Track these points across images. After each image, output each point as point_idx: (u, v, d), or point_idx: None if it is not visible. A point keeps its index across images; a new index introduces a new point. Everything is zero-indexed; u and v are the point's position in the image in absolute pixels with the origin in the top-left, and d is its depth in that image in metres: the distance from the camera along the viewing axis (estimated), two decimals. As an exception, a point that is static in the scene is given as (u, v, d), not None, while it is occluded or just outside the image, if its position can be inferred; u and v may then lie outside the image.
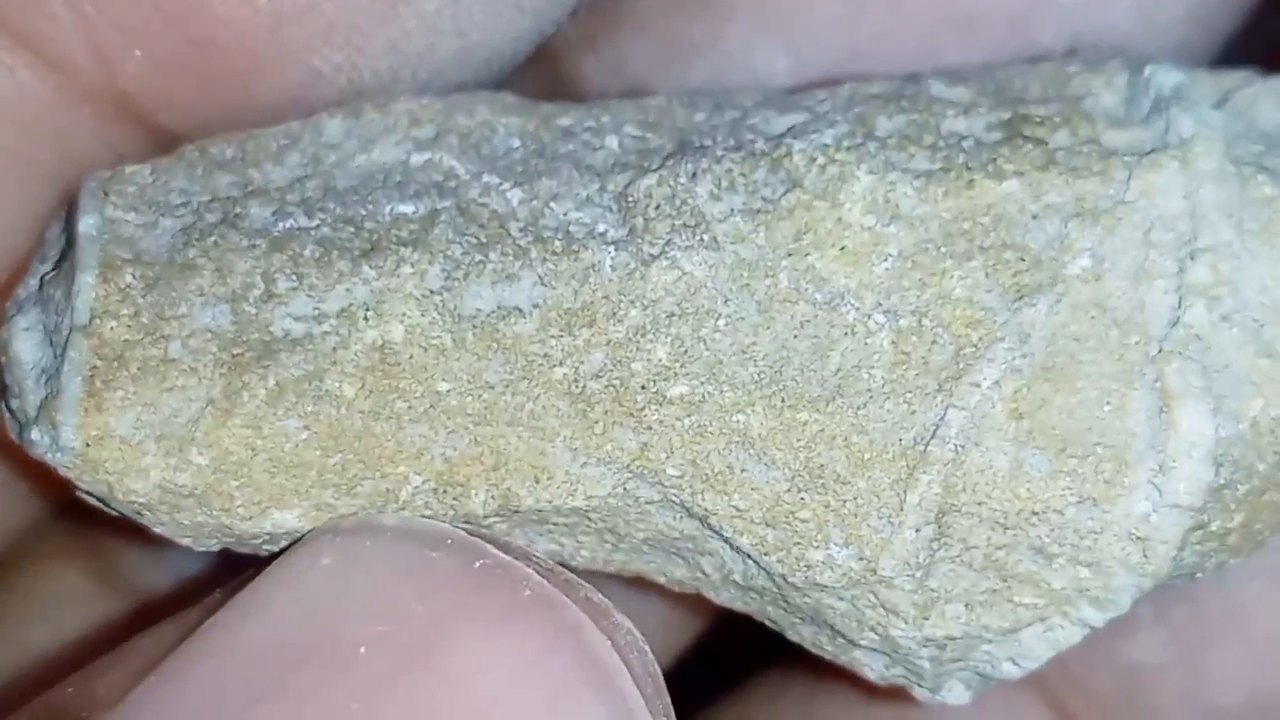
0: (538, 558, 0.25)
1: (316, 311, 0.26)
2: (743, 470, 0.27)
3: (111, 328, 0.26)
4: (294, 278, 0.26)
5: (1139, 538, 0.26)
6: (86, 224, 0.26)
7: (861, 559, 0.27)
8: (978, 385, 0.26)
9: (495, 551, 0.25)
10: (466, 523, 0.26)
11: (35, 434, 0.26)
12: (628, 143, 0.28)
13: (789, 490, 0.27)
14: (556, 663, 0.24)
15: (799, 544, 0.27)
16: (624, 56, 0.33)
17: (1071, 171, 0.27)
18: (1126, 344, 0.26)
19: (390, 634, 0.24)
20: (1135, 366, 0.26)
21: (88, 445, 0.26)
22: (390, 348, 0.26)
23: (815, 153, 0.27)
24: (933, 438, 0.26)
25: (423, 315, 0.26)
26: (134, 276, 0.26)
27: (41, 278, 0.27)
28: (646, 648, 0.25)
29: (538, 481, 0.27)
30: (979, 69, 0.29)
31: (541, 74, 0.33)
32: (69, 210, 0.27)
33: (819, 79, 0.30)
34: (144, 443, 0.26)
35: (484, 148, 0.27)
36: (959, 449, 0.26)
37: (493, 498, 0.26)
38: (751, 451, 0.27)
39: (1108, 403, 0.26)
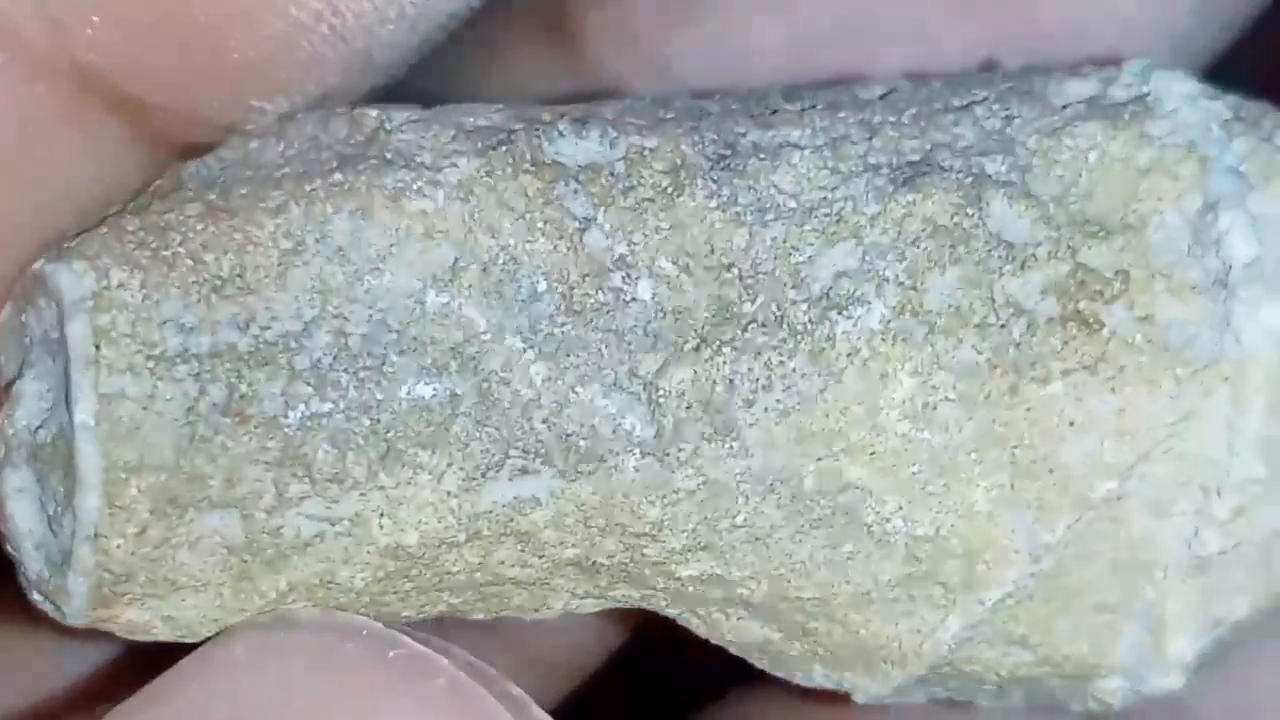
0: (456, 650, 0.25)
1: (329, 513, 0.25)
2: (739, 619, 0.27)
3: (118, 545, 0.25)
4: (306, 482, 0.25)
5: None
6: (83, 411, 0.24)
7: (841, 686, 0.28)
8: (983, 603, 0.26)
9: (411, 643, 0.25)
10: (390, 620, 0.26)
11: (37, 596, 0.26)
12: (661, 292, 0.25)
13: (781, 638, 0.27)
14: None
15: (783, 667, 0.28)
16: (626, 16, 0.32)
17: (1119, 375, 0.26)
18: (1132, 571, 0.26)
19: None
20: (1135, 593, 0.26)
21: (95, 622, 0.26)
22: (405, 549, 0.25)
23: (859, 341, 0.25)
24: (928, 638, 0.27)
25: (439, 521, 0.25)
26: (139, 490, 0.24)
27: (27, 423, 0.25)
28: None
29: (536, 611, 0.27)
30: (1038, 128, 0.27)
31: (541, 21, 0.33)
32: (29, 297, 0.25)
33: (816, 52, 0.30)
34: (153, 622, 0.26)
35: (507, 287, 0.25)
36: (951, 649, 0.27)
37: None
38: (749, 609, 0.27)
39: (1101, 628, 0.27)
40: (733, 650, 0.28)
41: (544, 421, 0.25)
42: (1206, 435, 0.26)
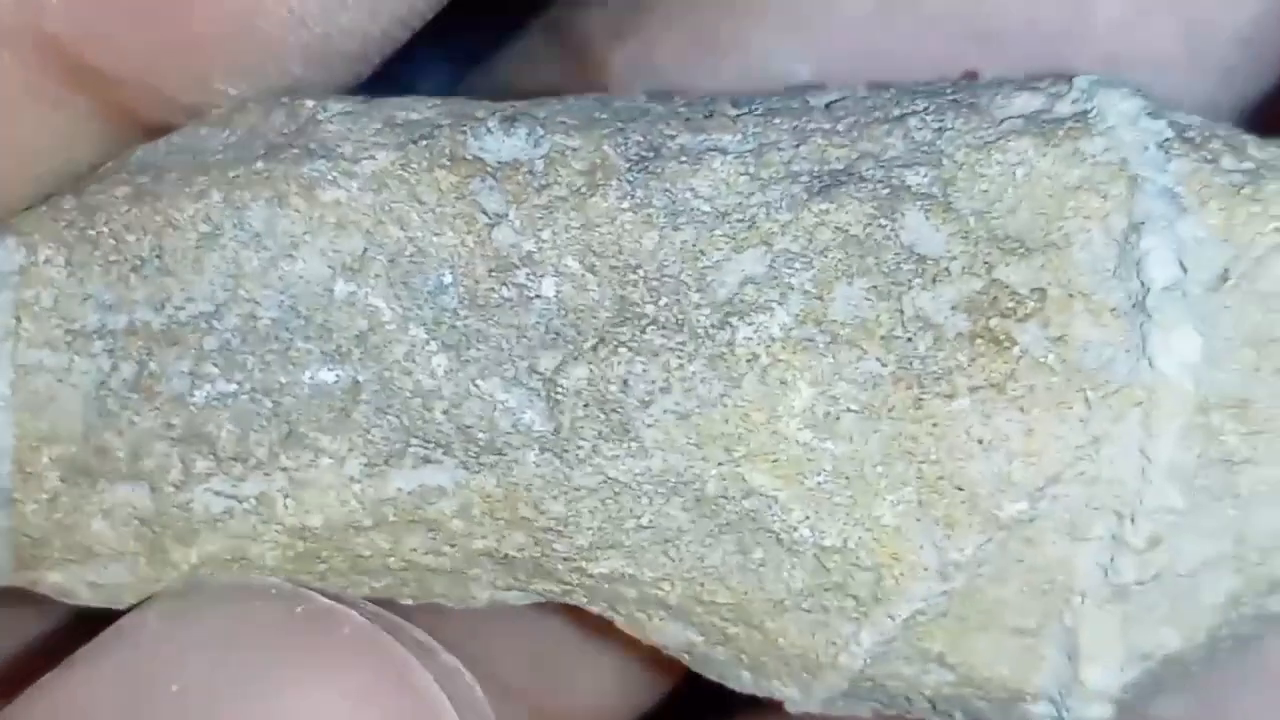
0: (367, 605, 0.26)
1: (235, 490, 0.26)
2: (660, 619, 0.27)
3: (32, 510, 0.26)
4: (211, 460, 0.25)
5: None
6: (0, 382, 0.25)
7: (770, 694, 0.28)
8: (892, 618, 0.26)
9: (319, 598, 0.25)
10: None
11: None
12: (565, 291, 0.26)
13: (703, 642, 0.27)
14: (380, 700, 0.24)
15: (713, 670, 0.28)
16: (650, 50, 0.33)
17: (1028, 395, 0.25)
18: (1049, 594, 0.26)
19: (210, 683, 0.24)
20: (1053, 618, 0.26)
21: (24, 584, 0.27)
22: (310, 530, 0.26)
23: (759, 348, 0.25)
24: (843, 650, 0.26)
25: (342, 504, 0.26)
26: (50, 459, 0.26)
27: None
28: (476, 687, 0.26)
29: (462, 601, 0.27)
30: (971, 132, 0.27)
31: (569, 58, 0.33)
32: None
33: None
34: (78, 588, 0.26)
35: (413, 278, 0.26)
36: (866, 664, 0.26)
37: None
38: (668, 611, 0.27)
39: (1020, 651, 0.26)
40: (664, 651, 0.28)
41: (444, 412, 0.25)
42: (1118, 460, 0.25)
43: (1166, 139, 0.26)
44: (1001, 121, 0.26)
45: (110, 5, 0.26)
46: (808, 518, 0.26)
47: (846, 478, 0.25)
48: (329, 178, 0.26)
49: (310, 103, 0.27)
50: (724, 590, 0.26)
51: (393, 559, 0.26)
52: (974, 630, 0.26)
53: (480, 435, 0.25)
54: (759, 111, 0.27)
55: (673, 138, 0.26)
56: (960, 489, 0.25)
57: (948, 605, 0.26)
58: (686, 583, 0.26)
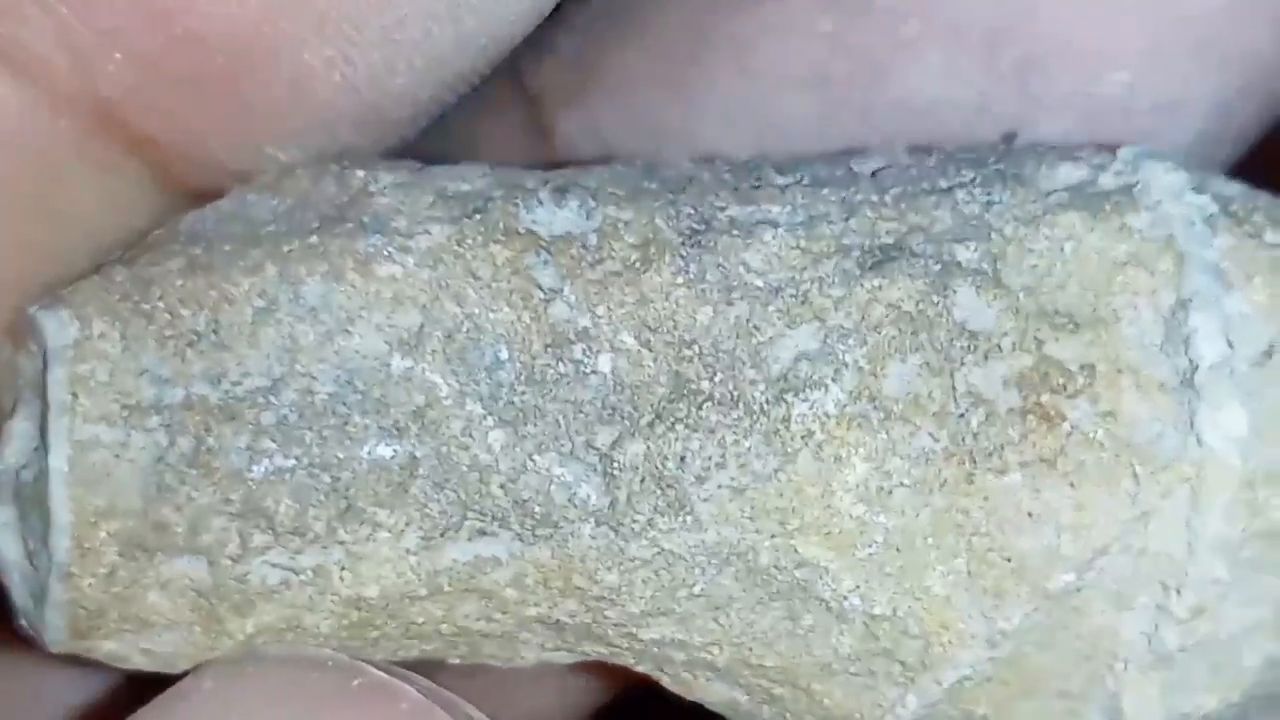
0: (418, 679, 0.26)
1: (292, 563, 0.26)
2: (706, 679, 0.27)
3: (89, 584, 0.26)
4: (269, 534, 0.26)
5: None
6: (56, 456, 0.25)
7: None
8: (939, 684, 0.26)
9: (374, 671, 0.26)
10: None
11: (23, 624, 0.27)
12: (621, 366, 0.26)
13: (749, 700, 0.27)
14: None
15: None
16: (597, 119, 0.33)
17: (1078, 470, 0.25)
18: (1093, 660, 0.26)
19: None
20: (1096, 683, 0.26)
21: (77, 651, 0.27)
22: (366, 601, 0.26)
23: (814, 424, 0.26)
24: (889, 712, 0.27)
25: (398, 576, 0.26)
26: (108, 534, 0.26)
27: (14, 461, 0.26)
28: None
29: (510, 660, 0.28)
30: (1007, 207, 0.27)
31: (519, 112, 0.33)
32: (27, 338, 0.26)
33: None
34: (131, 654, 0.27)
35: (470, 354, 0.26)
36: None
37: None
38: (715, 672, 0.27)
39: (1063, 714, 0.27)
40: (709, 707, 0.28)
41: (501, 486, 0.26)
42: (1166, 533, 0.26)
43: (1212, 214, 0.26)
44: (1048, 194, 0.27)
45: (165, 73, 0.26)
46: (858, 587, 0.26)
47: (897, 549, 0.26)
48: (384, 253, 0.26)
49: (361, 173, 0.27)
50: (772, 654, 0.27)
51: (445, 625, 0.27)
52: (1018, 695, 0.27)
53: (536, 509, 0.26)
54: (805, 181, 0.27)
55: (723, 209, 0.27)
56: (1009, 560, 0.26)
57: (993, 671, 0.26)
58: (735, 647, 0.27)
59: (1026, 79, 0.30)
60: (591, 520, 0.26)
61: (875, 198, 0.27)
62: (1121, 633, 0.26)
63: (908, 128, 0.30)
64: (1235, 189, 0.27)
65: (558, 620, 0.27)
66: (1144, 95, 0.29)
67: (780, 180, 0.27)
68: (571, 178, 0.27)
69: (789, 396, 0.26)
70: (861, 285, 0.26)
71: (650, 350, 0.26)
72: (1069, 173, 0.27)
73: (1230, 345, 0.26)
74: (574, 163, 0.29)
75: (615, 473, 0.26)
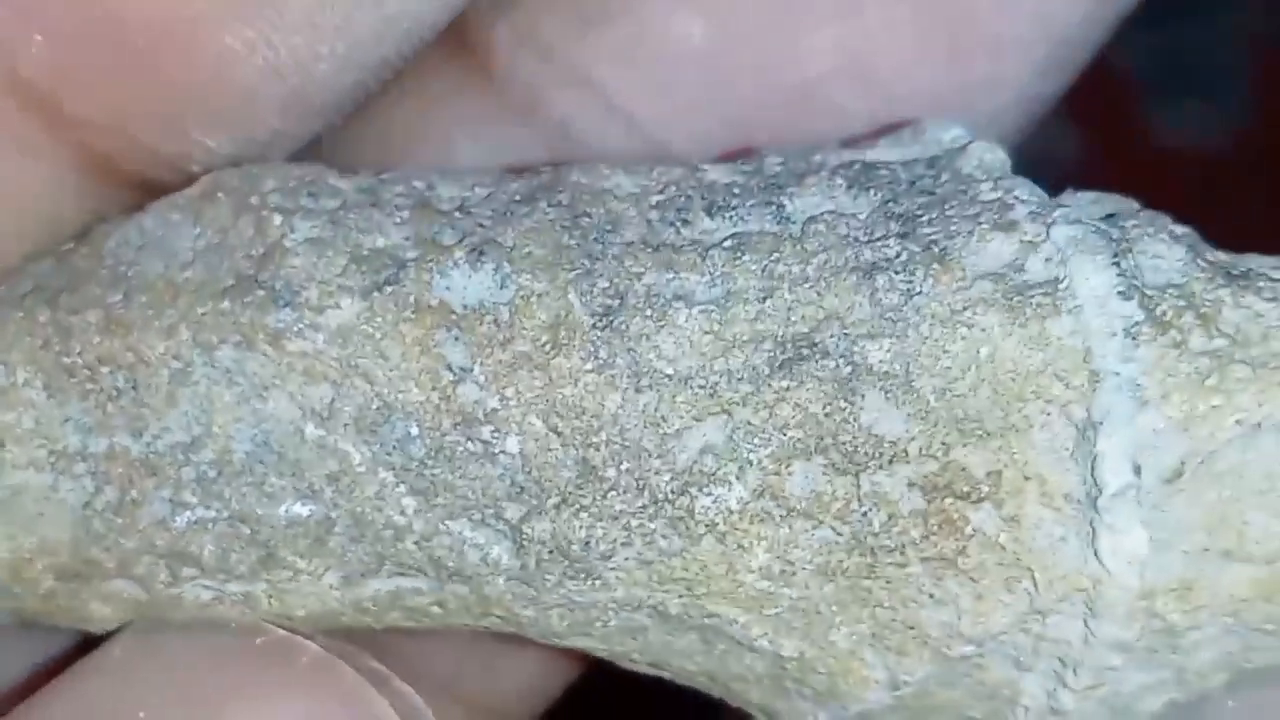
0: (321, 638, 0.27)
1: (221, 589, 0.27)
2: (633, 664, 0.29)
3: (30, 601, 0.27)
4: (195, 569, 0.27)
5: None
6: None
7: None
8: (846, 709, 0.27)
9: (278, 630, 0.27)
10: None
11: None
12: (529, 449, 0.26)
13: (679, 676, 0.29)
14: None
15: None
16: (535, 23, 0.31)
17: (979, 568, 0.26)
18: (995, 700, 0.27)
19: (172, 711, 0.26)
20: (1000, 715, 0.27)
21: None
22: (294, 618, 0.27)
23: (718, 517, 0.26)
24: (803, 718, 0.28)
25: (323, 604, 0.27)
26: (43, 567, 0.27)
27: None
28: (428, 712, 0.27)
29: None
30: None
31: (452, 41, 0.31)
32: None
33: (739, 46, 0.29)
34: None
35: (381, 428, 0.26)
36: None
37: None
38: (650, 666, 0.28)
39: None
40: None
41: (415, 544, 0.26)
42: (1063, 627, 0.26)
43: (1136, 323, 0.26)
44: (972, 282, 0.26)
45: (87, 51, 0.26)
46: (766, 634, 0.27)
47: (803, 612, 0.26)
48: (295, 329, 0.26)
49: (278, 219, 0.26)
50: (691, 663, 0.28)
51: (376, 625, 0.28)
52: (925, 717, 0.28)
53: (450, 563, 0.26)
54: (729, 238, 0.26)
55: (639, 276, 0.26)
56: (912, 628, 0.26)
57: (899, 703, 0.27)
58: (657, 657, 0.28)
59: None
60: (504, 576, 0.26)
61: (797, 268, 0.26)
62: (1022, 686, 0.27)
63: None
64: (1173, 270, 0.26)
65: (486, 627, 0.28)
66: None
67: (707, 226, 0.26)
68: (489, 233, 0.26)
69: (693, 490, 0.26)
70: (770, 385, 0.26)
71: (558, 434, 0.26)
72: (999, 250, 0.26)
73: (1137, 471, 0.25)
74: (517, 81, 0.30)
75: (525, 543, 0.26)
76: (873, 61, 0.30)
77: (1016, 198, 0.26)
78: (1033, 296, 0.26)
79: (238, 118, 0.27)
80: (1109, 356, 0.25)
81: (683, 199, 0.27)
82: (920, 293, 0.26)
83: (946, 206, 0.26)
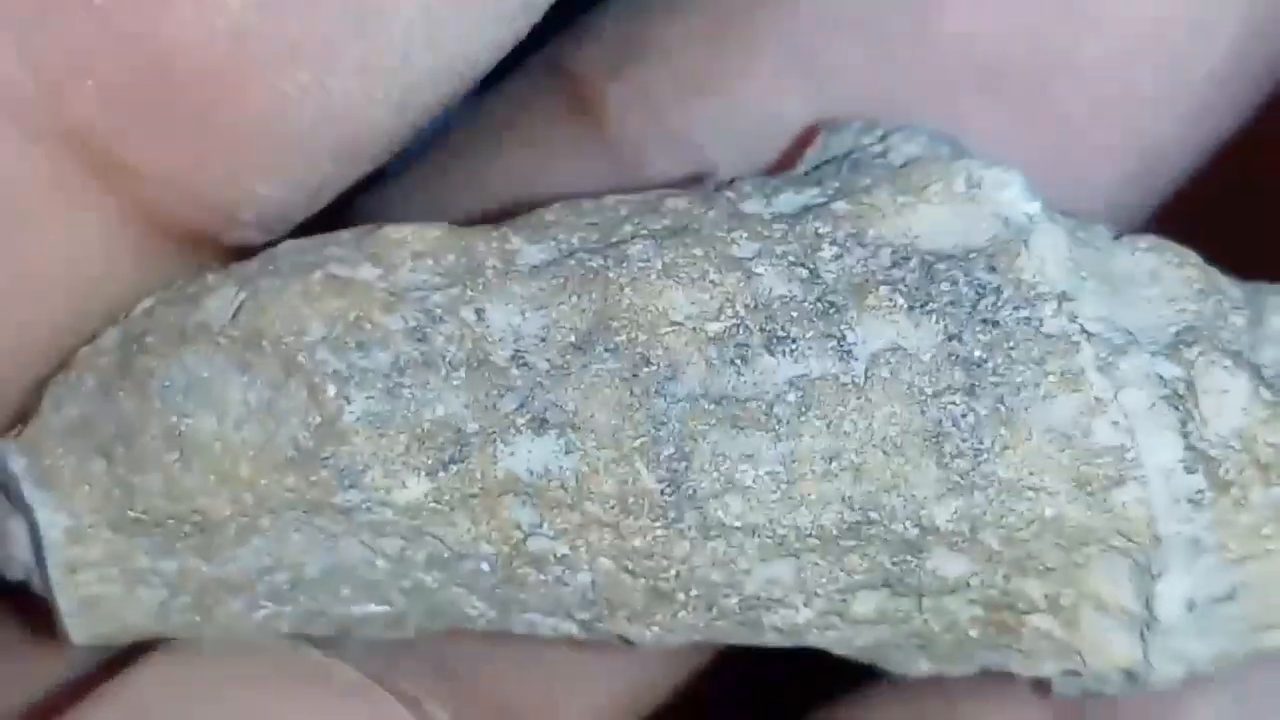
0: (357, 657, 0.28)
1: None
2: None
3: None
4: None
5: None
6: (65, 611, 0.27)
7: None
8: None
9: (313, 651, 0.27)
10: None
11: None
12: (600, 580, 0.26)
13: None
14: None
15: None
16: (647, 86, 0.32)
17: (1032, 649, 0.27)
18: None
19: None
20: None
21: None
22: None
23: (784, 626, 0.27)
24: None
25: None
26: (122, 639, 0.28)
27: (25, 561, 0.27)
28: None
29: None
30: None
31: (565, 96, 0.33)
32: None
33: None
34: None
35: (452, 565, 0.26)
36: None
37: None
38: None
39: None
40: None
41: (487, 623, 0.28)
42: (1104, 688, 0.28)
43: (1199, 490, 0.26)
44: (1039, 444, 0.26)
45: (136, 100, 0.25)
46: None
47: None
48: (363, 507, 0.26)
49: (332, 390, 0.26)
50: None
51: None
52: None
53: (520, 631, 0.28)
54: (791, 400, 0.26)
55: (704, 435, 0.26)
56: None
57: None
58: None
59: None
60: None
61: (864, 423, 0.26)
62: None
63: (959, 70, 0.30)
64: (1235, 405, 0.26)
65: None
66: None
67: (767, 365, 0.26)
68: (549, 397, 0.26)
69: (761, 609, 0.27)
70: (838, 543, 0.26)
71: (629, 574, 0.26)
72: (1065, 408, 0.26)
73: (1191, 607, 0.26)
74: (626, 141, 0.31)
75: (595, 628, 0.27)
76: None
77: (1082, 329, 0.26)
78: (1099, 464, 0.26)
79: (290, 163, 0.26)
80: (1171, 521, 0.26)
81: (741, 330, 0.26)
82: (987, 458, 0.26)
83: (1010, 346, 0.26)
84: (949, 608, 0.27)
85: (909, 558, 0.26)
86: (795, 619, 0.27)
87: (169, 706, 0.26)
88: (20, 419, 0.27)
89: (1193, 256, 0.27)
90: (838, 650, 0.28)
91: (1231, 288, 0.27)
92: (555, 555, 0.26)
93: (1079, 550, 0.26)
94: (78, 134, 0.25)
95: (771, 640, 0.27)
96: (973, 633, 0.27)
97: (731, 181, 0.28)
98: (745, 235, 0.26)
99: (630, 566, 0.26)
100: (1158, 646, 0.27)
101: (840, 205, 0.27)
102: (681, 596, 0.27)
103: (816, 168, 0.28)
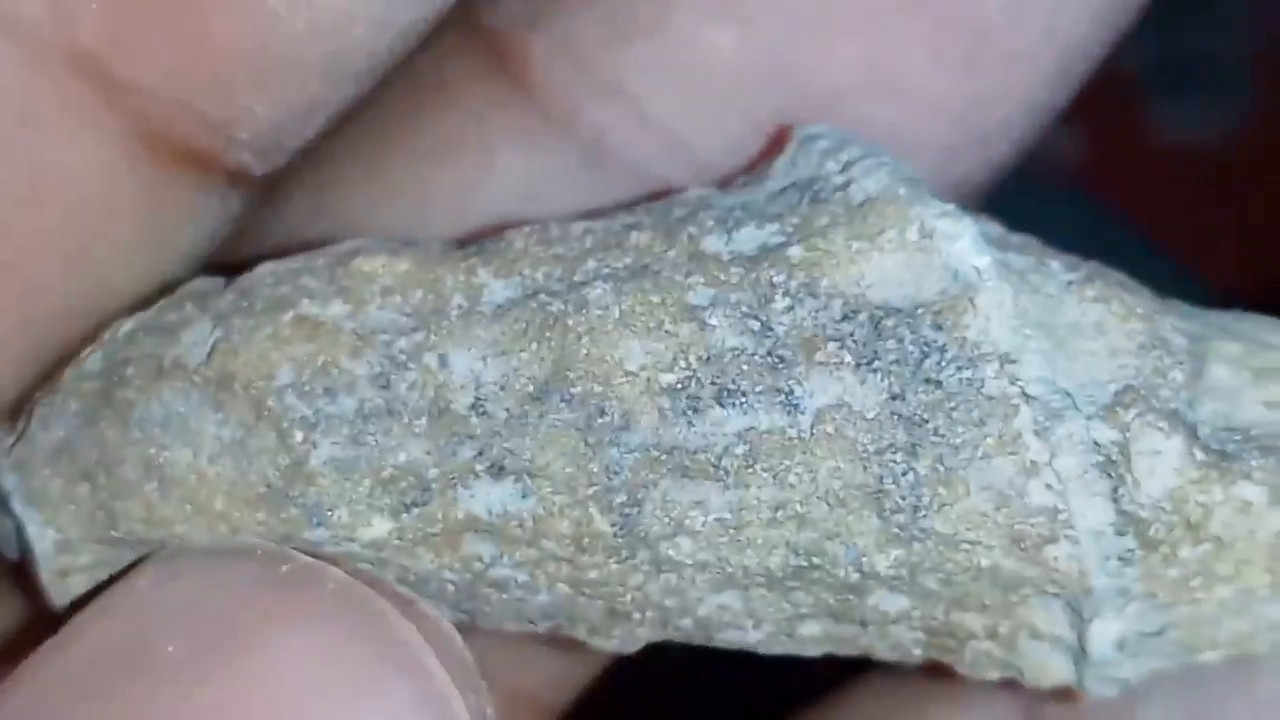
0: (348, 563, 0.28)
1: None
2: None
3: None
4: None
5: None
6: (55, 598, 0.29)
7: None
8: None
9: (302, 557, 0.27)
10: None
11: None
12: (559, 600, 0.28)
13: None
14: (359, 649, 0.25)
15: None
16: (570, 36, 0.31)
17: (972, 665, 0.29)
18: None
19: (196, 639, 0.26)
20: None
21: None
22: None
23: (737, 643, 0.29)
24: None
25: None
26: None
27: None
28: (456, 637, 0.27)
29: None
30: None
31: (480, 51, 0.32)
32: None
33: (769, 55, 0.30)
34: None
35: (420, 587, 0.28)
36: None
37: None
38: None
39: None
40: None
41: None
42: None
43: (1129, 550, 0.27)
44: (976, 500, 0.27)
45: (140, 16, 0.26)
46: None
47: None
48: (331, 543, 0.27)
49: (299, 436, 0.27)
50: None
51: None
52: None
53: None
54: (739, 452, 0.27)
55: (655, 484, 0.27)
56: None
57: None
58: None
59: None
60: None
61: (808, 477, 0.27)
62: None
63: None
64: (1168, 468, 0.27)
65: None
66: None
67: (717, 416, 0.27)
68: (507, 445, 0.27)
69: (713, 630, 0.28)
70: (783, 585, 0.27)
71: (585, 595, 0.28)
72: (1002, 469, 0.27)
73: (1121, 646, 0.28)
74: (554, 95, 0.30)
75: (559, 636, 0.29)
76: (893, 73, 0.30)
77: (1022, 391, 0.27)
78: (1033, 523, 0.27)
79: (281, 81, 0.27)
80: (1102, 575, 0.27)
81: (693, 383, 0.27)
82: (925, 514, 0.27)
83: (952, 407, 0.27)
84: (892, 633, 0.28)
85: (851, 597, 0.27)
86: (746, 638, 0.28)
87: (159, 617, 0.26)
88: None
89: (1141, 304, 0.28)
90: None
91: (1177, 335, 0.28)
92: (516, 581, 0.27)
93: (1015, 592, 0.27)
94: (83, 54, 0.26)
95: (726, 646, 0.29)
96: (916, 651, 0.28)
97: (696, 216, 0.28)
98: (702, 281, 0.27)
99: (587, 592, 0.27)
100: (1092, 673, 0.28)
101: (796, 251, 0.27)
102: (637, 616, 0.28)
103: (782, 191, 0.28)
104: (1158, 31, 0.63)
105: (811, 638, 0.28)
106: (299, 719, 0.24)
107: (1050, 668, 0.28)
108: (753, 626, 0.28)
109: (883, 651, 0.29)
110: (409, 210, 0.32)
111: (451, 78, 0.32)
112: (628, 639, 0.28)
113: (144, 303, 0.29)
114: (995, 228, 0.29)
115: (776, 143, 0.30)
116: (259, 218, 0.32)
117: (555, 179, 0.31)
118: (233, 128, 0.27)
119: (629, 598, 0.27)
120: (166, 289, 0.29)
